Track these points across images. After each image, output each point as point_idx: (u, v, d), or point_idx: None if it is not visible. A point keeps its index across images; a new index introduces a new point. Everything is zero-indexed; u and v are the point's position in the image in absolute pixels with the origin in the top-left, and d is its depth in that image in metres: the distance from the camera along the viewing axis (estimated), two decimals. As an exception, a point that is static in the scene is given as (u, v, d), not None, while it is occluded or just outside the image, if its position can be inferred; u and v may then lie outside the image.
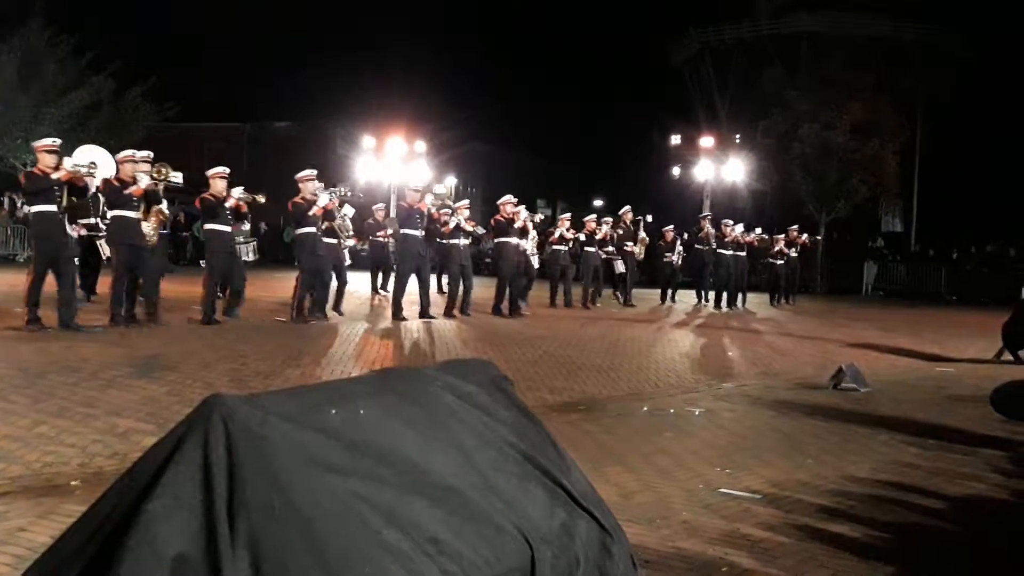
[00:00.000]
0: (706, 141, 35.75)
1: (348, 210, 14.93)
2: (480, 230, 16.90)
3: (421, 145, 38.54)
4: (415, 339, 11.57)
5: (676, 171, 39.17)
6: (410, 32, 56.25)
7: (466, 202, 16.31)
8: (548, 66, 61.54)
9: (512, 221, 16.19)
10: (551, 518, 2.56)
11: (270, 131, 46.77)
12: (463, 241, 15.29)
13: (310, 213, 12.51)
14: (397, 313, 13.68)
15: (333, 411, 2.33)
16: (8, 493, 4.48)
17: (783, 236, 23.47)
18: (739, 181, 35.48)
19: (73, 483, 4.70)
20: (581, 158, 55.25)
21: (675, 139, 38.26)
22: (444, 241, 15.39)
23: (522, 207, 16.83)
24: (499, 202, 16.58)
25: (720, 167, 35.05)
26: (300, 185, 12.93)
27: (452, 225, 15.29)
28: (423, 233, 14.34)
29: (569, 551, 2.54)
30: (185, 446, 2.12)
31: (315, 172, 13.31)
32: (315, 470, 2.17)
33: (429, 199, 14.59)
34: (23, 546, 3.69)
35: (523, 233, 16.65)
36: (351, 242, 15.22)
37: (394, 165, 36.06)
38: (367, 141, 36.54)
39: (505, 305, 15.72)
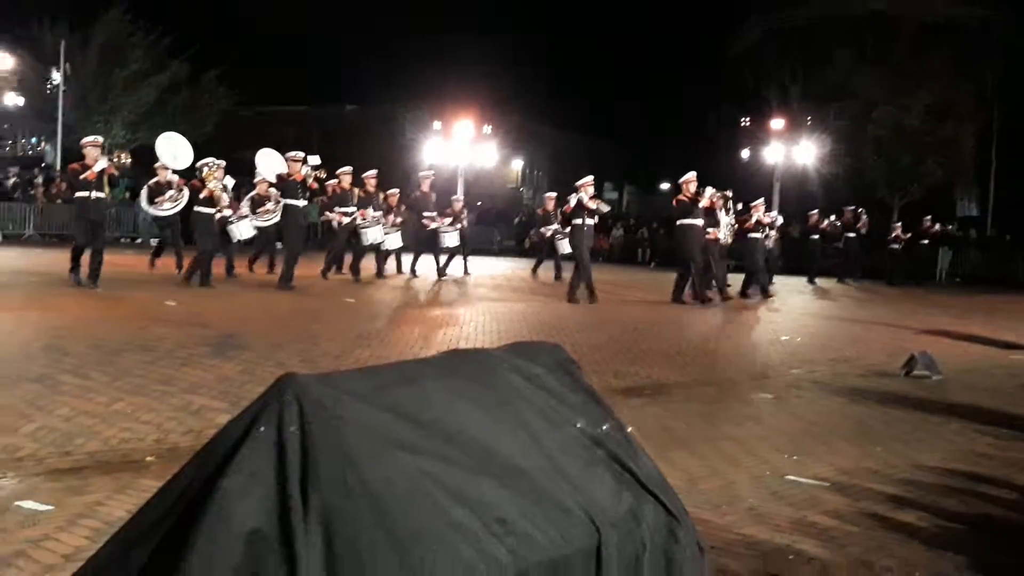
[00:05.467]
0: (776, 123, 35.25)
1: (229, 181, 15.12)
2: (604, 207, 15.32)
3: (488, 128, 38.61)
4: (481, 322, 11.63)
5: (745, 154, 38.67)
6: (478, 17, 56.18)
7: (590, 179, 14.86)
8: (616, 48, 61.15)
9: (696, 200, 15.08)
10: (618, 502, 2.56)
11: (339, 115, 47.23)
12: (589, 221, 14.59)
13: (82, 177, 12.77)
14: (285, 281, 13.89)
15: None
16: (86, 468, 4.61)
17: (899, 224, 26.39)
18: (809, 164, 34.96)
19: (149, 459, 4.82)
20: (649, 141, 54.69)
21: (744, 121, 37.75)
22: (572, 222, 14.70)
23: (709, 187, 15.66)
24: (681, 180, 15.44)
25: (791, 149, 34.56)
26: (84, 151, 13.23)
27: (573, 204, 14.53)
28: (305, 203, 14.46)
29: (635, 535, 2.54)
30: (259, 423, 2.17)
31: (99, 139, 13.80)
32: (386, 449, 2.20)
33: (305, 169, 14.37)
34: (101, 520, 3.79)
35: (709, 214, 15.49)
36: (227, 212, 15.22)
37: (462, 148, 36.18)
38: (434, 124, 36.68)
39: (689, 293, 15.16)
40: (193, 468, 2.24)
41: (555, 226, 19.68)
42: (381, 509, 2.08)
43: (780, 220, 20.13)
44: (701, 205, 15.00)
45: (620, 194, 61.14)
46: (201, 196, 14.22)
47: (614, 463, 2.66)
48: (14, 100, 33.89)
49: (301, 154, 14.65)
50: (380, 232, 17.28)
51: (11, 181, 30.06)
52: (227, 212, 15.03)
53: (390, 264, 18.41)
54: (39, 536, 3.60)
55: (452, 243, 18.30)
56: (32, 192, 29.56)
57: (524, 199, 52.14)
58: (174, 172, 15.36)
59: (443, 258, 18.39)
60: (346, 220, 16.72)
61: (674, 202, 15.67)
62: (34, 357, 7.19)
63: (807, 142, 34.95)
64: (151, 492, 2.39)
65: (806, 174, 35.25)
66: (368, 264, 17.34)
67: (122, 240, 26.54)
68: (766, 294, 17.20)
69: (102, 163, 12.82)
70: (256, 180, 16.45)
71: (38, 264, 16.39)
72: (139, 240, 25.72)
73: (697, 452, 5.46)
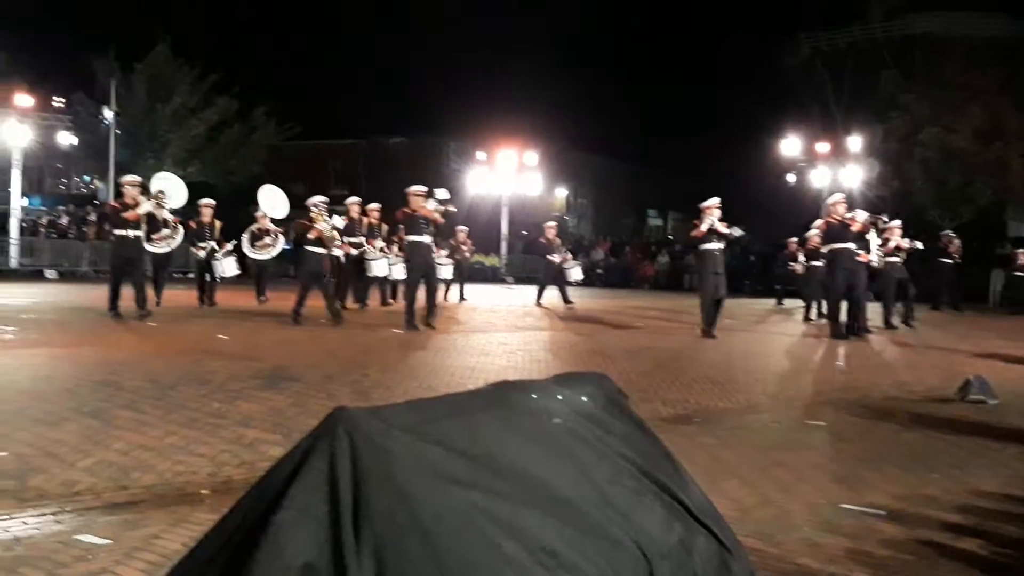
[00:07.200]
0: (822, 147, 34.98)
1: (338, 221, 15.54)
2: (736, 231, 14.27)
3: (532, 157, 38.68)
4: (527, 352, 11.63)
5: (791, 178, 38.40)
6: (520, 47, 56.62)
7: (716, 200, 14.00)
8: (658, 75, 61.19)
9: (848, 224, 14.47)
10: (669, 533, 2.55)
11: (385, 147, 47.67)
12: (717, 245, 13.85)
13: (123, 215, 13.44)
14: (410, 321, 13.46)
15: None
16: (143, 501, 4.66)
17: (1021, 250, 26.57)
18: (856, 188, 34.65)
19: (203, 492, 4.86)
20: (692, 166, 54.53)
21: (790, 145, 37.49)
22: (698, 247, 14.16)
23: (859, 210, 15.27)
24: (829, 201, 15.00)
25: (838, 173, 34.26)
26: (122, 190, 14.05)
27: (704, 228, 13.76)
28: (430, 239, 13.87)
29: (687, 567, 2.53)
30: (311, 458, 2.19)
31: (138, 179, 14.42)
32: (437, 482, 2.21)
33: (431, 204, 13.72)
34: (157, 553, 3.83)
35: (861, 239, 14.81)
36: (338, 252, 15.76)
37: (506, 177, 36.32)
38: (479, 154, 36.91)
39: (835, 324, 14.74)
40: (247, 502, 2.28)
41: (556, 255, 20.42)
42: (432, 543, 2.09)
43: (919, 245, 19.04)
44: (853, 229, 14.50)
45: (664, 220, 61.00)
46: (310, 236, 14.29)
47: (664, 493, 2.65)
48: (68, 139, 34.63)
49: (424, 188, 13.98)
50: (386, 264, 17.94)
51: (64, 220, 30.69)
52: (337, 252, 15.53)
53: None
54: (97, 570, 3.64)
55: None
56: (85, 229, 30.13)
57: (569, 227, 52.18)
58: (171, 211, 16.09)
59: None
60: (354, 252, 17.04)
61: (823, 225, 15.15)
62: (90, 392, 7.31)
63: (853, 165, 34.66)
64: (206, 525, 2.43)
65: (852, 198, 34.91)
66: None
67: (174, 275, 26.91)
68: (890, 325, 16.53)
69: (146, 206, 13.35)
70: (258, 215, 16.98)
71: (92, 300, 16.67)
72: (190, 275, 26.11)
73: (748, 481, 5.40)
